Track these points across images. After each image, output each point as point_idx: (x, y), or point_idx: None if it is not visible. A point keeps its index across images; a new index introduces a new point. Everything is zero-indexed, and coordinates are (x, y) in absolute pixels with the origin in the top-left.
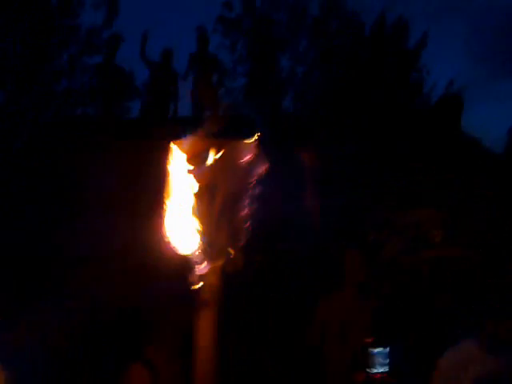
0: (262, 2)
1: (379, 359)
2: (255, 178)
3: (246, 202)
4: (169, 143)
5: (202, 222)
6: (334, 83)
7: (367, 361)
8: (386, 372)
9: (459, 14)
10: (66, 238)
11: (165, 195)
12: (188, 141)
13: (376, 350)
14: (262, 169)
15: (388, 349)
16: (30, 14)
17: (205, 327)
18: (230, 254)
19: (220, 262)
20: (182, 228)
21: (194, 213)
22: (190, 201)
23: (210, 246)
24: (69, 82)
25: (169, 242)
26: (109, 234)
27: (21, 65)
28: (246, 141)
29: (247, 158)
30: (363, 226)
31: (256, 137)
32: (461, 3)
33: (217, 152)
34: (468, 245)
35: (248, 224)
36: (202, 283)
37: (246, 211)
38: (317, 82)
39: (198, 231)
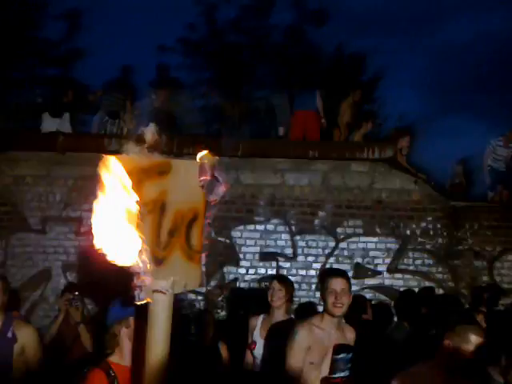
0: (225, 25)
1: (340, 365)
2: (215, 198)
3: (206, 221)
4: (112, 156)
5: (148, 239)
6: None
7: (330, 366)
8: (346, 376)
9: (414, 52)
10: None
11: (98, 207)
12: (133, 156)
13: (338, 356)
14: (221, 189)
15: (350, 355)
16: None
17: (154, 343)
18: (186, 271)
19: (172, 280)
20: (119, 239)
21: (137, 229)
22: (131, 215)
23: (158, 265)
24: (23, 94)
25: (104, 254)
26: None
27: None
28: (203, 160)
29: (204, 177)
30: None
31: (213, 156)
32: (417, 41)
33: (165, 169)
34: (412, 274)
35: (207, 242)
36: (148, 300)
37: (205, 230)
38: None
39: (142, 248)
